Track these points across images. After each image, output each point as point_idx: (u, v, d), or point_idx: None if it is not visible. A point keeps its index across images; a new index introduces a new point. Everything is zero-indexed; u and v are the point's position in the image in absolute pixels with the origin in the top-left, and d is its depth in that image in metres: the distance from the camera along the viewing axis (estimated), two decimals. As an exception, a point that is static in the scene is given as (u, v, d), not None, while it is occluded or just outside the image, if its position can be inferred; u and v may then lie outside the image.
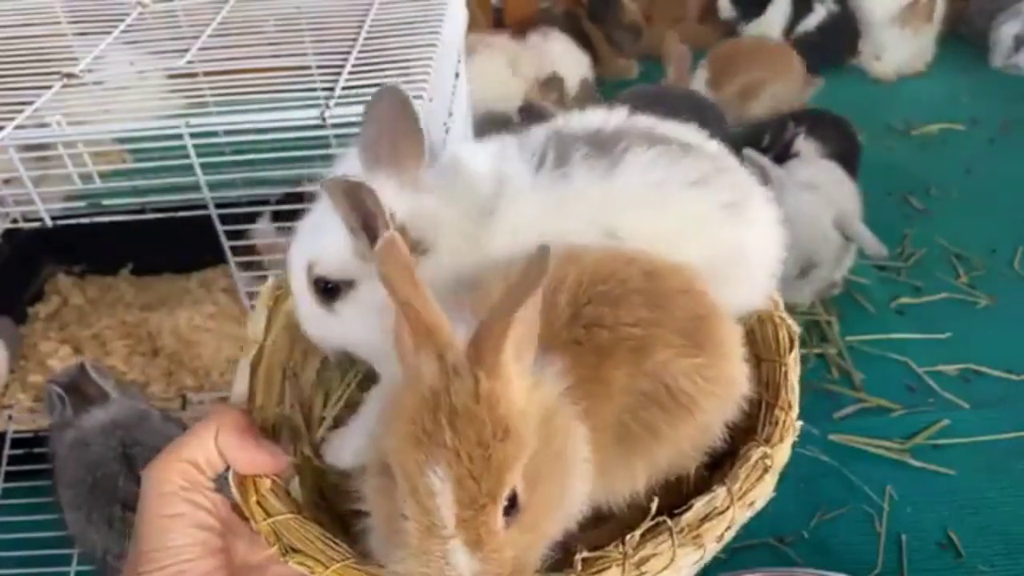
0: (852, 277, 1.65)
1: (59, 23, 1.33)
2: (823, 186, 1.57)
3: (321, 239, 0.64)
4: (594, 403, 0.52)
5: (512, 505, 0.46)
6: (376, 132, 0.64)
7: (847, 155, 1.80)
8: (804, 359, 1.48)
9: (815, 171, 1.63)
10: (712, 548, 0.54)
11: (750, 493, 0.55)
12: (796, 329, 0.67)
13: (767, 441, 0.59)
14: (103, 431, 1.07)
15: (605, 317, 0.54)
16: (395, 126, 0.63)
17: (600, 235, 0.62)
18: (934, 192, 1.96)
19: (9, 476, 1.25)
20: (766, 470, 0.56)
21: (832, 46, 2.60)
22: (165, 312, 1.59)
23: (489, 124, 1.98)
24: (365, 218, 0.60)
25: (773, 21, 2.58)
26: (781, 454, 0.58)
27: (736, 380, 0.59)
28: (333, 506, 0.65)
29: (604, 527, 0.57)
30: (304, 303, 0.65)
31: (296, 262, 0.65)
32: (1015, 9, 2.52)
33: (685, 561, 0.52)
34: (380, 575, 0.51)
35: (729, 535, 0.55)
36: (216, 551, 0.57)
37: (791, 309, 1.64)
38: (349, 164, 0.66)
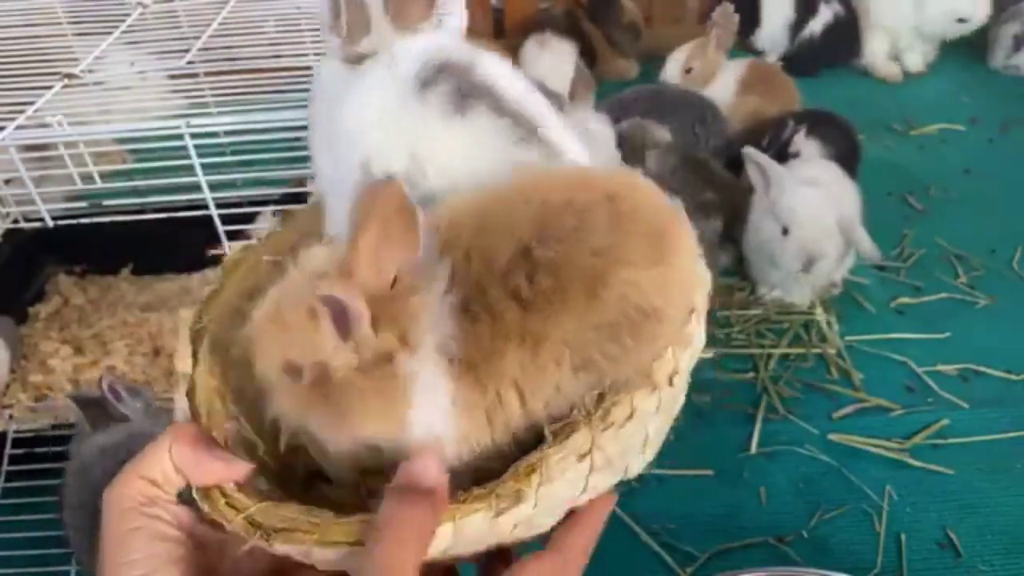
0: (852, 277, 1.65)
1: (60, 23, 1.33)
2: (825, 184, 1.57)
3: None
4: (529, 358, 0.53)
5: None
6: None
7: (847, 155, 1.80)
8: (803, 359, 1.49)
9: (816, 170, 1.64)
10: (669, 393, 0.56)
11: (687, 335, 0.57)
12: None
13: None
14: (104, 454, 1.06)
15: (556, 259, 0.54)
16: None
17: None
18: (934, 192, 1.96)
19: (10, 476, 1.25)
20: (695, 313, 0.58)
21: (836, 47, 2.60)
22: (166, 312, 1.59)
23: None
24: None
25: (777, 27, 2.57)
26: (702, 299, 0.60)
27: (701, 280, 0.60)
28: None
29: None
30: None
31: None
32: (1015, 9, 2.53)
33: (647, 405, 0.54)
34: (366, 520, 0.52)
35: (679, 379, 0.57)
36: (178, 560, 0.57)
37: (790, 309, 1.66)
38: None
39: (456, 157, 0.65)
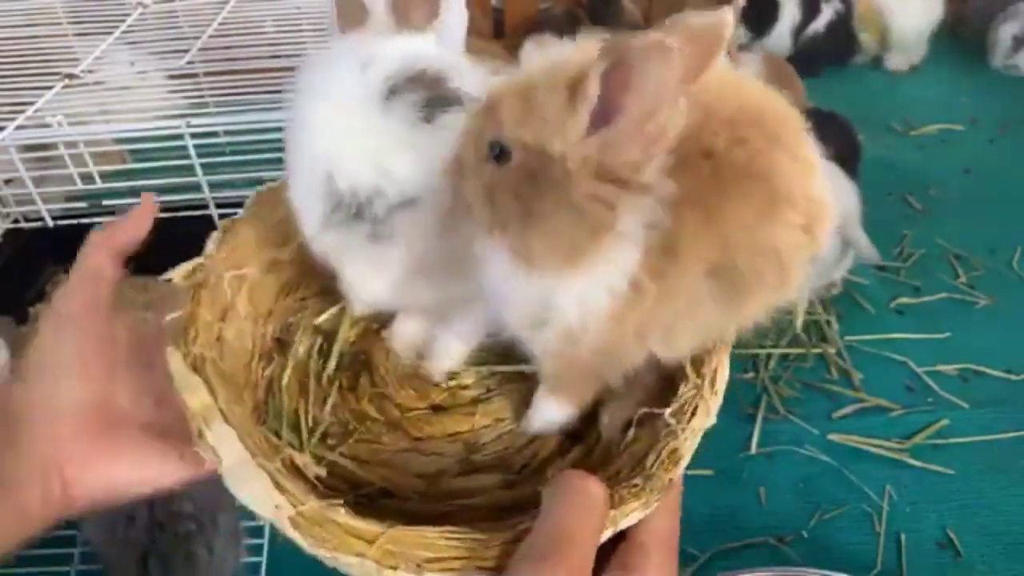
0: (851, 277, 1.65)
1: (60, 24, 1.34)
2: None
3: None
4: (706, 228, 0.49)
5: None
6: None
7: (847, 155, 1.80)
8: (803, 358, 1.49)
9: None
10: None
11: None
12: None
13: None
14: None
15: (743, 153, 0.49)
16: None
17: None
18: (933, 192, 1.96)
19: (10, 476, 1.24)
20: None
21: (838, 45, 2.60)
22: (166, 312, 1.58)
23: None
24: None
25: (784, 31, 2.57)
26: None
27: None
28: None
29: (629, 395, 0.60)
30: None
31: None
32: (1014, 9, 2.52)
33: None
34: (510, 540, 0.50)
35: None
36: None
37: (789, 309, 1.64)
38: None
39: (423, 169, 0.63)
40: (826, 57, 2.60)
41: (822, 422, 1.33)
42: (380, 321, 0.81)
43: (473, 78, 0.68)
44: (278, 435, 0.67)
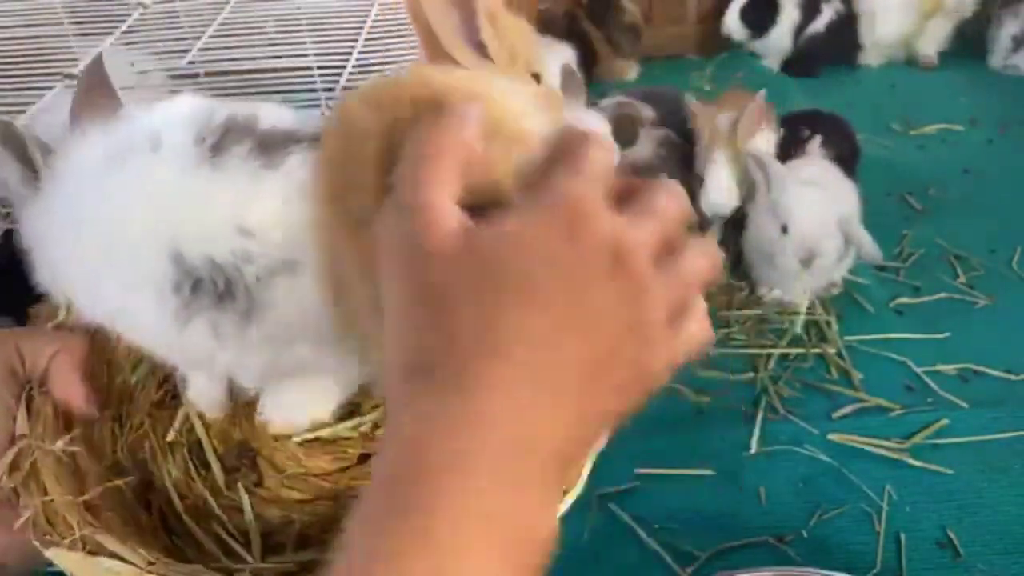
0: (851, 277, 1.65)
1: (60, 24, 1.34)
2: (824, 184, 1.58)
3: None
4: None
5: None
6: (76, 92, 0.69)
7: (847, 155, 1.80)
8: (803, 358, 1.49)
9: (816, 171, 1.64)
10: None
11: None
12: None
13: None
14: None
15: None
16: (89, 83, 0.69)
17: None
18: (933, 192, 1.96)
19: (10, 476, 1.25)
20: None
21: (838, 46, 2.60)
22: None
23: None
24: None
25: (784, 32, 2.57)
26: None
27: None
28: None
29: None
30: None
31: None
32: (1014, 9, 2.53)
33: None
34: None
35: None
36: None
37: (790, 309, 1.66)
38: None
39: (281, 212, 0.58)
40: (826, 58, 2.60)
41: (822, 422, 1.33)
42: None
43: (276, 112, 0.63)
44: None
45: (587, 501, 1.20)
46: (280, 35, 1.31)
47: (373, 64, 1.14)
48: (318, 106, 1.03)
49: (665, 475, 1.26)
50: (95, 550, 0.50)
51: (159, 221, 0.58)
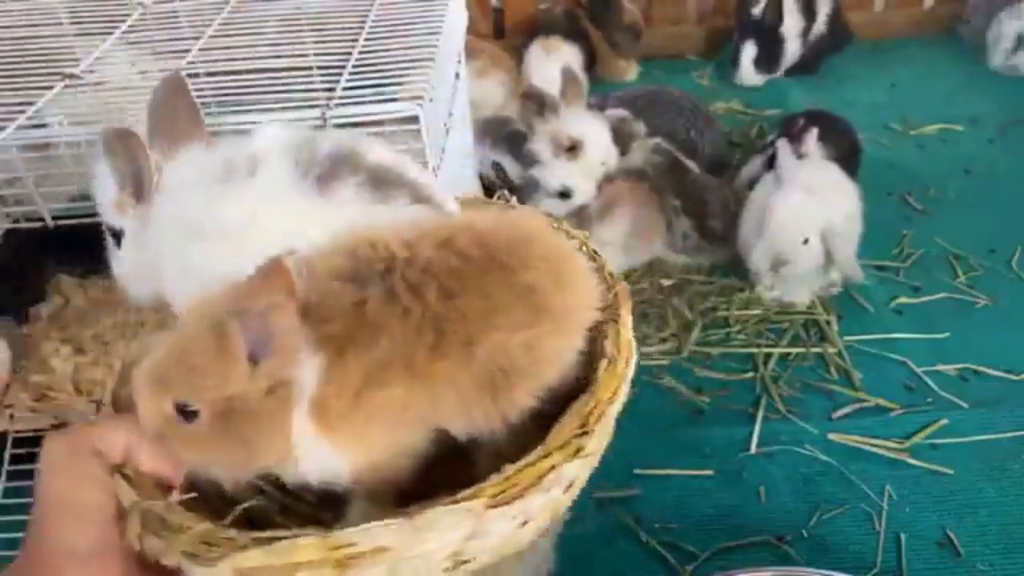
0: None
1: (61, 24, 1.34)
2: (821, 193, 1.57)
3: (96, 189, 0.73)
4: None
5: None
6: (153, 107, 0.74)
7: (847, 155, 1.80)
8: (803, 358, 1.49)
9: (817, 176, 1.62)
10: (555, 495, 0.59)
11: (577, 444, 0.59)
12: (626, 287, 0.72)
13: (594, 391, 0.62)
14: None
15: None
16: (169, 102, 0.73)
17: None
18: (933, 192, 1.96)
19: (11, 476, 1.25)
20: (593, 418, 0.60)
21: (836, 36, 2.61)
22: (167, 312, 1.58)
23: (491, 126, 1.98)
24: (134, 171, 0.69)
25: (793, 49, 2.57)
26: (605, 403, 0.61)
27: (571, 344, 0.63)
28: None
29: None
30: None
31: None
32: (1014, 9, 2.53)
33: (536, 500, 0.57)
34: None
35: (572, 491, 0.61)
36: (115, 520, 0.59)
37: (790, 309, 1.66)
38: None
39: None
40: (827, 51, 2.61)
41: (822, 422, 1.34)
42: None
43: (376, 147, 0.71)
44: None
45: (587, 502, 1.20)
46: (280, 35, 1.31)
47: (373, 64, 1.14)
48: (318, 106, 1.03)
49: (665, 475, 1.26)
50: (264, 541, 0.53)
51: (265, 242, 0.62)
